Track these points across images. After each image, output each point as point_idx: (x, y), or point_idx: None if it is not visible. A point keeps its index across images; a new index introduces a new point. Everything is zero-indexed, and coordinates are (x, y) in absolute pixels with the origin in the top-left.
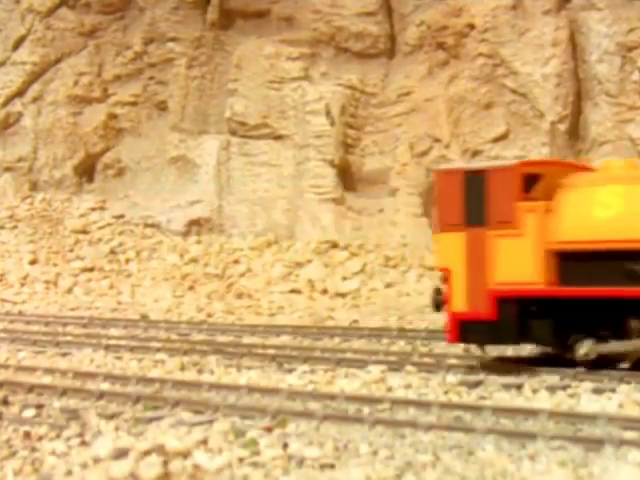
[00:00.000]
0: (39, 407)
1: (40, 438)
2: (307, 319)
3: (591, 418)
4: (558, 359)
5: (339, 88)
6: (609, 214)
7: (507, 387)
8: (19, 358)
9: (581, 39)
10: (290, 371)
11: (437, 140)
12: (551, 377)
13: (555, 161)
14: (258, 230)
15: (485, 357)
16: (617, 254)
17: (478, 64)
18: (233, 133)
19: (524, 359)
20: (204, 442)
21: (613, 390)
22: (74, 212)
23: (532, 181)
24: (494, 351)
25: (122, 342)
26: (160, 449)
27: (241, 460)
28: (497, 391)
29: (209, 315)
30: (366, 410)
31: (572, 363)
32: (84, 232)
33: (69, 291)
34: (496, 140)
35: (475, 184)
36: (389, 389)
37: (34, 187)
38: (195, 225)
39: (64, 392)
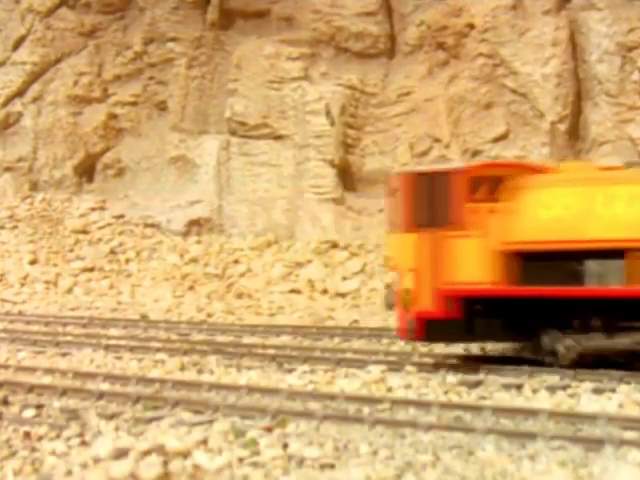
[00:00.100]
0: (39, 407)
1: (40, 438)
2: (307, 319)
3: (591, 418)
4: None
5: (339, 88)
6: (555, 215)
7: (507, 387)
8: (19, 358)
9: (581, 39)
10: (290, 371)
11: (437, 140)
12: (551, 377)
13: (509, 163)
14: (258, 230)
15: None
16: (563, 254)
17: (478, 64)
18: (233, 133)
19: (523, 360)
20: (204, 442)
21: (613, 390)
22: (74, 212)
23: (483, 183)
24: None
25: (122, 342)
26: (160, 449)
27: (241, 460)
28: (497, 391)
29: (209, 315)
30: (366, 410)
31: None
32: (84, 232)
33: (69, 291)
34: (496, 140)
35: (427, 186)
36: (389, 389)
37: (34, 187)
38: (195, 225)
39: (64, 392)
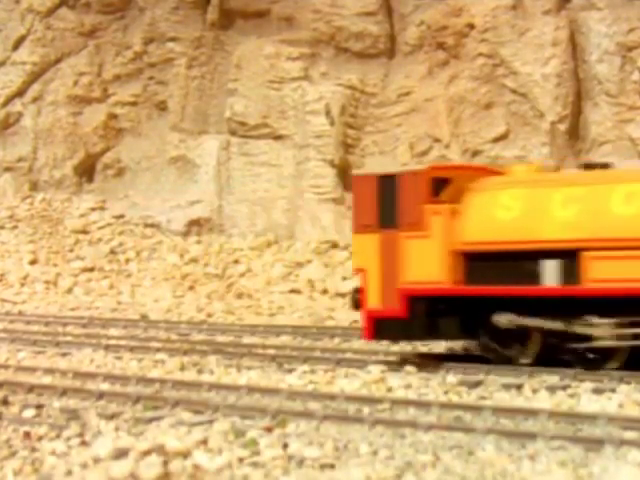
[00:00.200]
0: (39, 407)
1: (40, 438)
2: (307, 319)
3: (591, 418)
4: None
5: (339, 88)
6: (509, 216)
7: (507, 387)
8: (19, 358)
9: (581, 39)
10: (290, 371)
11: (437, 140)
12: (551, 377)
13: (466, 165)
14: (258, 230)
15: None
16: (518, 254)
17: (478, 64)
18: (233, 133)
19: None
20: (204, 442)
21: (613, 390)
22: (74, 212)
23: (441, 185)
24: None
25: (122, 342)
26: (160, 449)
27: (241, 460)
28: (497, 391)
29: (209, 315)
30: (366, 410)
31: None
32: (84, 232)
33: (69, 291)
34: (496, 140)
35: (388, 188)
36: (389, 389)
37: (34, 187)
38: (195, 225)
39: (64, 392)
